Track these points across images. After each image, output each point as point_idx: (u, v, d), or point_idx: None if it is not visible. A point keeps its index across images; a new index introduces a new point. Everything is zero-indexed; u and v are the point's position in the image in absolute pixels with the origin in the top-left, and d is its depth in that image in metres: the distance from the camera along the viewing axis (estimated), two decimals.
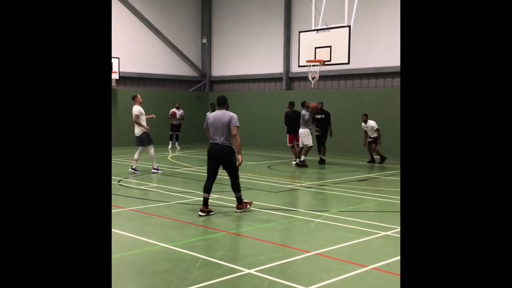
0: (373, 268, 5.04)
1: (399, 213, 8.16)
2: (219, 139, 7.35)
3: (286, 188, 10.13)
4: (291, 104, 14.27)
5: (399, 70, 16.22)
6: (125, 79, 19.58)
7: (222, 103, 7.56)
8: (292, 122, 13.77)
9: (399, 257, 5.44)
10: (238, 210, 7.61)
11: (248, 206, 7.75)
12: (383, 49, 16.55)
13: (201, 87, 22.25)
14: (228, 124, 7.32)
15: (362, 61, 16.53)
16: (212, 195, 9.14)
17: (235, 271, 4.88)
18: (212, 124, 7.43)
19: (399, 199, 9.12)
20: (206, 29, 22.02)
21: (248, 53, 20.76)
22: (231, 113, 7.40)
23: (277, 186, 10.43)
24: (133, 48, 19.85)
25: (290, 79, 19.51)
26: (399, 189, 9.58)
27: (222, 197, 8.93)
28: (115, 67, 18.17)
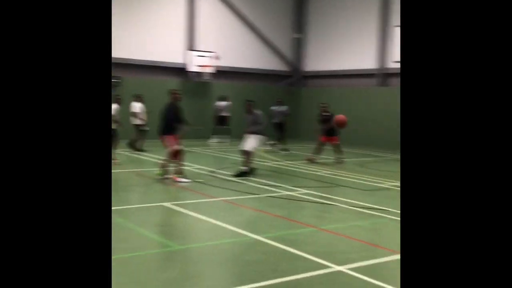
0: None
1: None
2: None
3: (377, 187, 9.88)
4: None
5: (372, 72, 15.19)
6: (219, 73, 20.08)
7: None
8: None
9: None
10: None
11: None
12: (358, 52, 15.54)
13: (293, 82, 22.28)
14: None
15: (339, 63, 15.64)
16: (301, 190, 9.15)
17: (325, 267, 4.86)
18: None
19: None
20: (301, 24, 22.00)
21: (342, 48, 20.45)
22: None
23: (368, 184, 10.21)
24: (228, 43, 20.31)
25: (384, 75, 18.96)
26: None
27: (310, 192, 8.92)
28: (210, 62, 18.74)
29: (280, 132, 15.56)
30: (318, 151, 13.30)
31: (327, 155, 14.74)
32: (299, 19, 22.03)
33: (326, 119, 13.35)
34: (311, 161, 13.14)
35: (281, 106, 15.78)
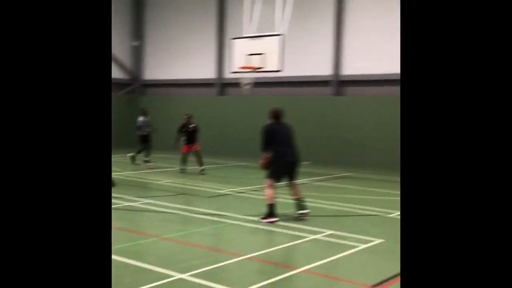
0: (303, 270, 5.21)
1: (329, 217, 8.42)
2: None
3: (218, 193, 10.18)
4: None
5: (328, 79, 16.84)
6: None
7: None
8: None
9: (327, 260, 5.67)
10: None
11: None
12: (313, 58, 17.07)
13: (132, 91, 21.81)
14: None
15: (293, 69, 16.94)
16: (143, 200, 9.03)
17: (167, 276, 4.87)
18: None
19: (328, 204, 9.41)
20: (138, 31, 21.66)
21: (180, 58, 20.64)
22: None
23: (209, 191, 10.46)
24: None
25: (223, 85, 19.62)
26: (329, 194, 9.81)
27: (152, 202, 8.84)
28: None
29: (145, 144, 14.84)
30: (184, 161, 13.42)
31: (171, 165, 14.73)
32: (137, 27, 21.69)
33: (193, 130, 13.49)
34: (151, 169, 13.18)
35: (146, 117, 15.07)
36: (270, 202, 7.48)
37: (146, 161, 14.59)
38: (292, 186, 7.84)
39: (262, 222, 7.42)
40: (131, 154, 14.94)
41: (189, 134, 13.51)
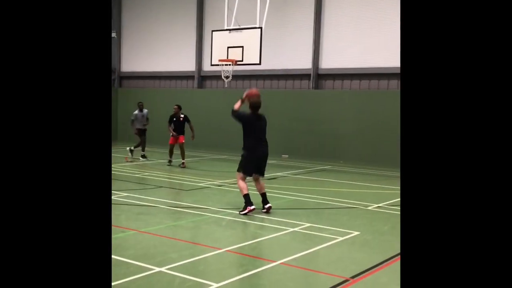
0: (281, 263, 5.23)
1: (307, 209, 8.47)
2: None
3: (197, 186, 10.15)
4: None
5: (306, 72, 16.89)
6: None
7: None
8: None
9: (305, 252, 5.70)
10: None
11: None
12: (292, 51, 17.09)
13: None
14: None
15: (272, 62, 16.95)
16: (121, 193, 8.95)
17: (145, 269, 4.84)
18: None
19: (307, 197, 9.46)
20: (115, 22, 21.36)
21: (159, 50, 20.44)
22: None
23: (189, 184, 10.41)
24: None
25: (202, 78, 19.51)
26: (307, 187, 9.86)
27: (131, 195, 8.77)
28: None
29: (142, 137, 14.43)
30: (171, 153, 13.42)
31: (150, 157, 14.62)
32: (114, 18, 21.39)
33: (182, 121, 13.40)
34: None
35: (142, 111, 14.60)
36: (245, 193, 7.51)
37: (142, 156, 14.45)
38: (258, 181, 7.75)
39: (241, 214, 7.44)
40: (130, 147, 14.69)
41: (177, 125, 13.40)
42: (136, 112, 14.70)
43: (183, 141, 13.31)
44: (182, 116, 13.47)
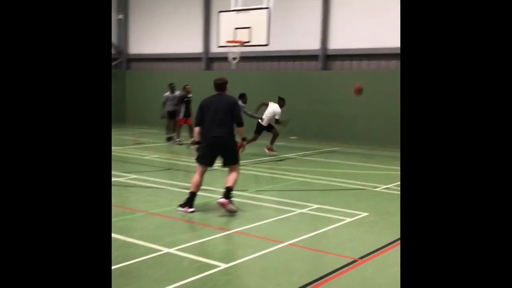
0: (289, 244, 5.25)
1: (315, 191, 8.45)
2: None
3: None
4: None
5: (314, 53, 16.73)
6: None
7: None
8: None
9: (314, 233, 5.71)
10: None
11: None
12: (300, 32, 16.92)
13: (118, 65, 21.52)
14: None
15: (280, 43, 16.80)
16: (130, 175, 9.00)
17: (154, 250, 4.88)
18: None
19: (316, 178, 9.42)
20: (121, 4, 21.24)
21: (166, 31, 20.33)
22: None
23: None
24: None
25: (209, 59, 19.41)
26: (315, 169, 9.82)
27: (140, 177, 8.81)
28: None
29: (171, 120, 14.02)
30: (178, 133, 13.58)
31: (157, 140, 14.66)
32: (120, 0, 21.27)
33: (189, 101, 13.47)
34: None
35: (173, 93, 14.21)
36: (191, 190, 6.53)
37: (168, 138, 14.12)
38: (229, 171, 6.66)
39: (178, 210, 6.53)
40: (167, 136, 14.29)
41: (187, 106, 13.44)
42: (167, 93, 14.30)
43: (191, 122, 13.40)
44: (190, 96, 13.54)
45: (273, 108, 12.51)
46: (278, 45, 16.53)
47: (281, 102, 12.59)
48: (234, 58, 13.76)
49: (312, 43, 16.77)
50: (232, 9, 13.36)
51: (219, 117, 6.39)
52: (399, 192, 8.15)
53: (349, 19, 16.05)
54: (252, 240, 5.46)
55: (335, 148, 14.24)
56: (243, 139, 6.87)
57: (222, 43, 13.56)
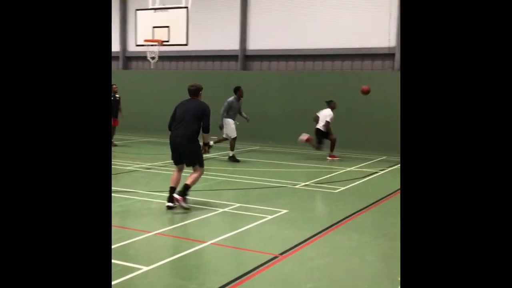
0: (211, 243, 5.28)
1: (237, 190, 8.51)
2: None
3: (125, 170, 9.93)
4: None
5: (234, 53, 16.87)
6: None
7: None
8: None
9: (235, 231, 5.78)
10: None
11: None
12: (220, 33, 16.98)
13: None
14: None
15: (200, 43, 16.77)
16: None
17: None
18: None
19: (237, 177, 9.50)
20: None
21: None
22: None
23: (117, 168, 10.15)
24: None
25: (127, 58, 18.94)
26: (236, 168, 9.93)
27: None
28: None
29: None
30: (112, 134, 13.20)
31: None
32: None
33: (116, 101, 13.15)
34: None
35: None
36: (170, 185, 6.81)
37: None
38: (192, 171, 6.88)
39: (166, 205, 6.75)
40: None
41: (113, 105, 13.09)
42: None
43: (118, 124, 13.29)
44: (117, 96, 13.29)
45: (325, 113, 12.22)
46: (198, 45, 16.49)
47: (331, 104, 12.27)
48: (153, 58, 13.53)
49: (231, 44, 16.89)
50: (149, 7, 13.13)
51: (185, 121, 6.75)
52: (318, 189, 8.47)
53: (267, 20, 16.34)
54: (174, 241, 5.42)
55: (255, 147, 14.45)
56: (205, 144, 7.12)
57: (140, 42, 13.28)
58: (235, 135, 11.54)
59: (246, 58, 16.93)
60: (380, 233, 5.95)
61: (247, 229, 5.93)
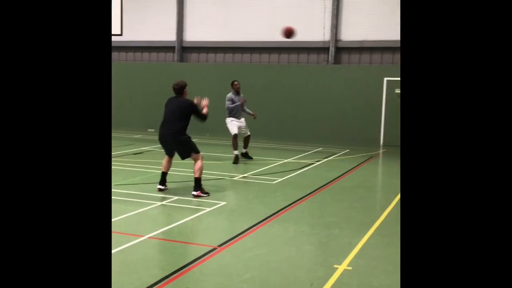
0: (149, 237, 5.23)
1: (175, 183, 8.47)
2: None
3: None
4: None
5: (171, 45, 16.64)
6: None
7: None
8: None
9: (174, 224, 5.76)
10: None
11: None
12: (156, 24, 16.68)
13: None
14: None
15: (136, 34, 16.40)
16: None
17: None
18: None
19: (174, 170, 9.45)
20: None
21: None
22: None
23: None
24: None
25: None
26: (174, 161, 9.84)
27: None
28: None
29: None
30: None
31: None
32: None
33: None
34: None
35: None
36: (162, 170, 7.53)
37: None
38: (194, 163, 7.32)
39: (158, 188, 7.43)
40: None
41: None
42: None
43: None
44: None
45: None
46: (134, 35, 16.14)
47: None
48: None
49: (168, 35, 16.65)
50: None
51: (171, 118, 7.23)
52: (255, 180, 8.57)
53: (204, 11, 16.23)
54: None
55: (193, 140, 14.35)
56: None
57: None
58: (236, 132, 10.98)
59: (183, 50, 16.76)
60: (316, 222, 6.13)
61: (186, 221, 5.93)
